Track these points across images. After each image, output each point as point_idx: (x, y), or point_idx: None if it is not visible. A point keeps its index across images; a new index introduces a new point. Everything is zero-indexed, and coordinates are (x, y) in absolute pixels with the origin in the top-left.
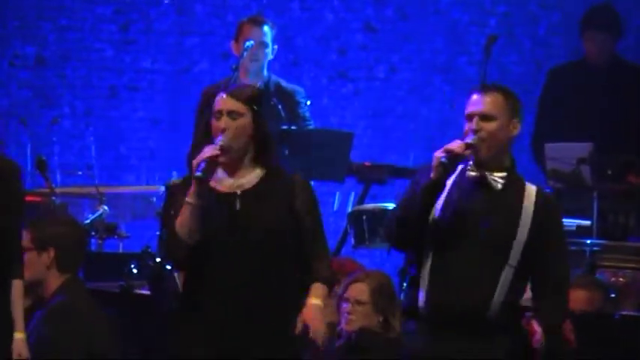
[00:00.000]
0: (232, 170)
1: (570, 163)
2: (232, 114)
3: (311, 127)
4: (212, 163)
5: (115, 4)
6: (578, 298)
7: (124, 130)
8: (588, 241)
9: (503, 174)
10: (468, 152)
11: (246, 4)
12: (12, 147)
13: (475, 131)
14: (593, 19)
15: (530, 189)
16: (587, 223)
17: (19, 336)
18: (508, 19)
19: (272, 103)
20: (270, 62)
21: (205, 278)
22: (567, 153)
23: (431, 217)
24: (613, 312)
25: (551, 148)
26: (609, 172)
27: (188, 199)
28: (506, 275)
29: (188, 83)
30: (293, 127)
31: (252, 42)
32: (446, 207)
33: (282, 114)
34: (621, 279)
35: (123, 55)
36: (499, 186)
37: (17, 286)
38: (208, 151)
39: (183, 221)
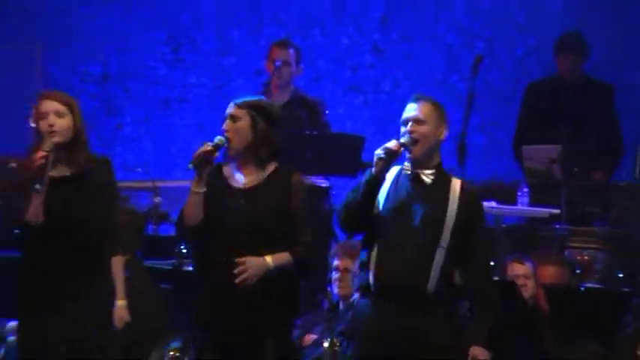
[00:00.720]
0: (244, 170)
1: (544, 163)
2: (233, 118)
3: (329, 131)
4: (205, 156)
5: (168, 30)
6: (550, 273)
7: (174, 134)
8: (558, 227)
9: (432, 171)
10: (401, 150)
11: (275, 31)
12: None
13: (409, 132)
14: (566, 42)
15: (456, 183)
16: (557, 211)
17: (120, 303)
18: (492, 42)
19: (297, 112)
20: (296, 79)
21: (212, 254)
22: (541, 154)
23: (375, 210)
24: (578, 285)
25: (527, 150)
26: (576, 170)
27: (191, 187)
28: (439, 256)
29: (226, 96)
30: (315, 132)
31: (279, 62)
32: (386, 200)
33: (306, 121)
34: (585, 257)
35: (174, 72)
36: (429, 180)
37: (117, 261)
38: (203, 147)
39: (186, 207)
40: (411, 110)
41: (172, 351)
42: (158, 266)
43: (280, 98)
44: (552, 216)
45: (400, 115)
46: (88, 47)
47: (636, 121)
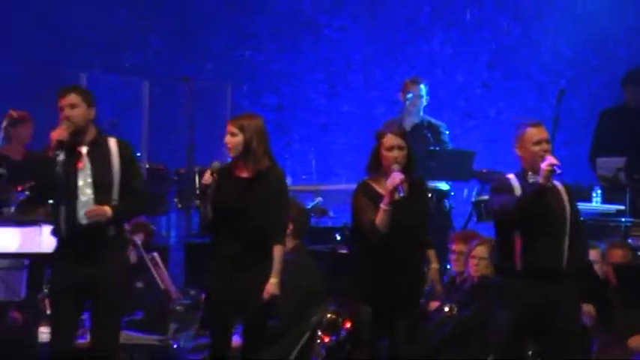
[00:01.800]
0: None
1: (612, 171)
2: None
3: (448, 148)
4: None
5: (326, 71)
6: (617, 255)
7: (331, 149)
8: (623, 219)
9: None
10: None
11: (408, 70)
12: None
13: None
14: (632, 77)
15: (561, 186)
16: (622, 207)
17: (273, 280)
18: (573, 79)
19: (424, 133)
20: (424, 107)
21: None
22: (611, 164)
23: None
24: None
25: (600, 161)
26: (636, 177)
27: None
28: (565, 243)
29: (370, 121)
30: (437, 148)
31: (411, 94)
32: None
33: (431, 140)
34: None
35: (331, 103)
36: (551, 185)
37: (278, 249)
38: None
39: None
40: (542, 132)
41: (330, 313)
42: (319, 250)
43: (411, 122)
44: (618, 211)
45: (502, 135)
46: (267, 84)
47: None
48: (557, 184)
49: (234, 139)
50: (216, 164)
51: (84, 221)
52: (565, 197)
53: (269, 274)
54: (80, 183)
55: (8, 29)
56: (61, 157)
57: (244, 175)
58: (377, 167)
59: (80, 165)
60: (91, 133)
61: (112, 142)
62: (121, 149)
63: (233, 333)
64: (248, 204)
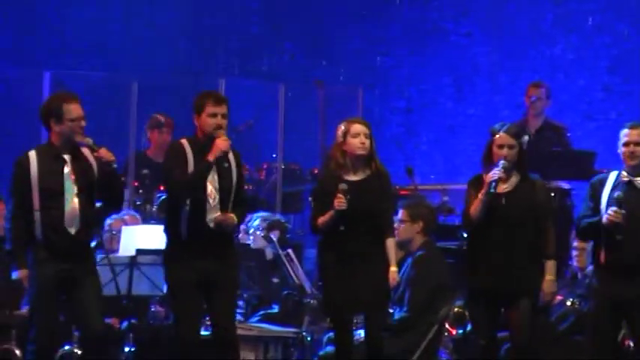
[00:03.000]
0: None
1: None
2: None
3: (571, 148)
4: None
5: (453, 75)
6: None
7: (457, 151)
8: None
9: None
10: None
11: (531, 75)
12: (392, 163)
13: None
14: None
15: None
16: None
17: (393, 269)
18: None
19: (547, 135)
20: (546, 110)
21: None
22: None
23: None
24: None
25: None
26: None
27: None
28: None
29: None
30: (560, 149)
31: (535, 97)
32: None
33: (554, 141)
34: None
35: (457, 106)
36: None
37: (391, 242)
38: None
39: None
40: (632, 135)
41: (457, 307)
42: (447, 246)
43: (535, 124)
44: None
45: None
46: (396, 88)
47: None
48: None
49: (368, 141)
50: (343, 186)
51: (211, 224)
52: None
53: (388, 265)
54: (209, 188)
55: (156, 39)
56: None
57: (358, 177)
58: (489, 162)
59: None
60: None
61: (230, 152)
62: (237, 160)
63: (356, 327)
64: (370, 203)
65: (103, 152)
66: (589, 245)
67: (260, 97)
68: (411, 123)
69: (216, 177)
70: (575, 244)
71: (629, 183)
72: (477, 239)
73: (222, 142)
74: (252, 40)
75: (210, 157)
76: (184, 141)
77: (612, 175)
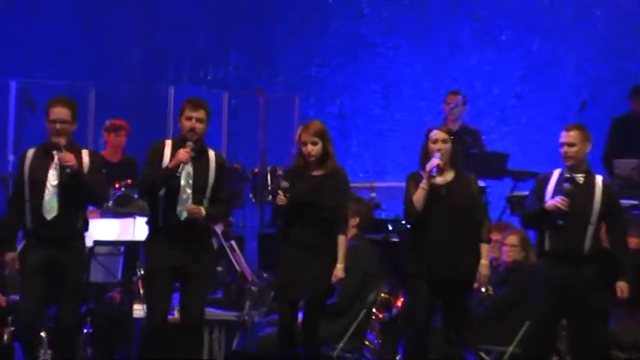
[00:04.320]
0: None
1: (627, 170)
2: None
3: (485, 150)
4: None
5: (381, 84)
6: (633, 241)
7: (385, 153)
8: (636, 212)
9: (583, 174)
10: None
11: (450, 84)
12: None
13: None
14: (637, 90)
15: (599, 179)
16: (636, 202)
17: (339, 266)
18: (592, 92)
19: (464, 137)
20: (463, 115)
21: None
22: (626, 165)
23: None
24: None
25: (617, 162)
26: None
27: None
28: (590, 230)
29: (419, 128)
30: (475, 151)
31: (453, 104)
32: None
33: (470, 143)
34: None
35: (385, 112)
36: (581, 181)
37: (342, 239)
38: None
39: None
40: (562, 135)
41: (383, 293)
42: (374, 238)
43: (453, 127)
44: (632, 205)
45: (532, 139)
46: (330, 96)
47: None
48: (598, 180)
49: (316, 147)
50: (284, 184)
51: (183, 215)
52: (598, 190)
53: (336, 259)
54: (182, 183)
55: (112, 51)
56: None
57: (316, 173)
58: (426, 158)
59: (184, 168)
60: (200, 143)
61: (212, 153)
62: (218, 160)
63: (298, 310)
64: (321, 198)
65: (62, 156)
66: (501, 237)
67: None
68: (343, 127)
69: (191, 173)
70: (505, 241)
71: (571, 179)
72: (419, 227)
73: (182, 154)
74: (200, 51)
75: (170, 165)
76: (168, 140)
77: (556, 172)
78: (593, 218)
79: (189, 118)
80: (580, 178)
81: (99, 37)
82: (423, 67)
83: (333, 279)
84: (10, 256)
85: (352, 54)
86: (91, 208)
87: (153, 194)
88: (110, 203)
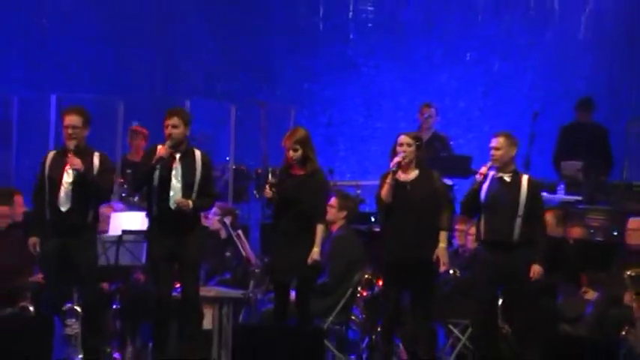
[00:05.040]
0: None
1: (573, 171)
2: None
3: (453, 153)
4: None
5: (363, 98)
6: (576, 231)
7: (367, 156)
8: (580, 206)
9: (510, 174)
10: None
11: (423, 98)
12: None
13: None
14: (582, 103)
15: (525, 178)
16: (580, 197)
17: (315, 249)
18: (544, 104)
19: (434, 143)
20: (435, 124)
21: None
22: (571, 166)
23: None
24: (592, 239)
25: (564, 164)
26: (592, 175)
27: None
28: (517, 221)
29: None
30: (444, 154)
31: (426, 114)
32: (486, 193)
33: (440, 148)
34: (596, 224)
35: (367, 121)
36: (508, 179)
37: (319, 228)
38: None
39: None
40: (493, 142)
41: (367, 274)
42: (359, 228)
43: (427, 135)
44: (577, 200)
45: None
46: (320, 108)
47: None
48: (524, 179)
49: (296, 153)
50: (272, 180)
51: (173, 207)
52: (524, 187)
53: (312, 245)
54: (172, 179)
55: (138, 70)
56: (158, 167)
57: (299, 173)
58: (393, 157)
59: (174, 166)
60: (184, 145)
61: (198, 153)
62: (204, 159)
63: (290, 289)
64: (302, 194)
65: (69, 159)
66: (466, 227)
67: (217, 114)
68: (332, 134)
69: (180, 170)
70: (456, 226)
71: (500, 178)
72: (389, 220)
73: (161, 150)
74: (211, 70)
75: (153, 162)
76: (160, 145)
77: (491, 172)
78: (520, 211)
79: (166, 126)
80: (508, 176)
81: (127, 59)
82: (401, 83)
83: (309, 260)
84: (32, 240)
85: (340, 72)
86: (118, 203)
87: (147, 186)
88: (136, 198)
